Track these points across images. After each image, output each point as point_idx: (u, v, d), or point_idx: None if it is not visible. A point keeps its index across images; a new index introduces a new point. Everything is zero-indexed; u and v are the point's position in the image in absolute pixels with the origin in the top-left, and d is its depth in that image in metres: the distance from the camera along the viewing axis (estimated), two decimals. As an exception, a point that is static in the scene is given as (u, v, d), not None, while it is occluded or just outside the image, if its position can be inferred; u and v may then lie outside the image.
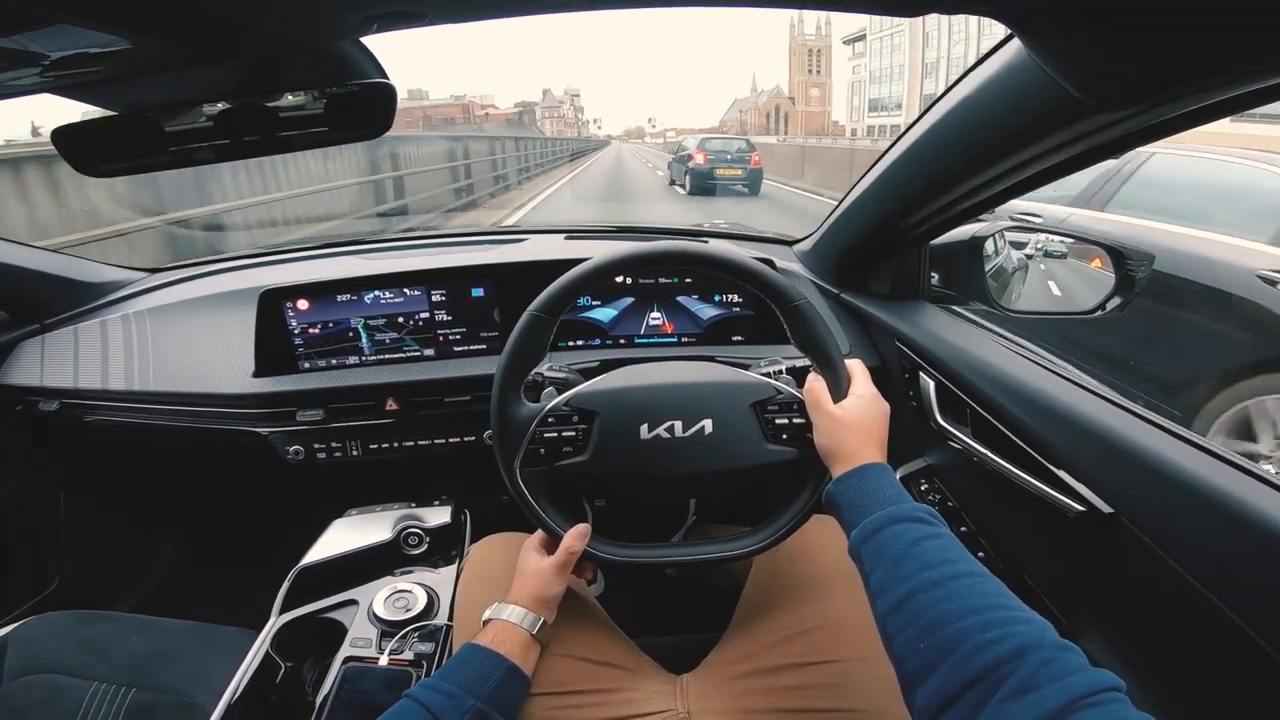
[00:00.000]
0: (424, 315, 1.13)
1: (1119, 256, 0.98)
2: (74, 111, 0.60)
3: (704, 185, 12.50)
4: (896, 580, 0.52)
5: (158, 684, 0.84)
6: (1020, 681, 0.41)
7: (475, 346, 1.15)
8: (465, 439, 1.14)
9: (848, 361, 0.72)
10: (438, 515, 1.05)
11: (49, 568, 1.31)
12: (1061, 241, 1.06)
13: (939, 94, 0.74)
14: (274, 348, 1.11)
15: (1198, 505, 0.56)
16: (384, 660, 0.85)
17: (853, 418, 0.67)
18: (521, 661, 0.68)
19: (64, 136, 0.60)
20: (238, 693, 0.81)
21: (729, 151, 12.90)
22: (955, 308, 1.06)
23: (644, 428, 0.73)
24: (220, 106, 0.61)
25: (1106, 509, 0.64)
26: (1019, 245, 1.21)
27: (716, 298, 1.16)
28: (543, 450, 0.74)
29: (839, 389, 0.70)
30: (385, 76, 0.58)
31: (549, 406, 0.74)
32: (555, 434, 0.74)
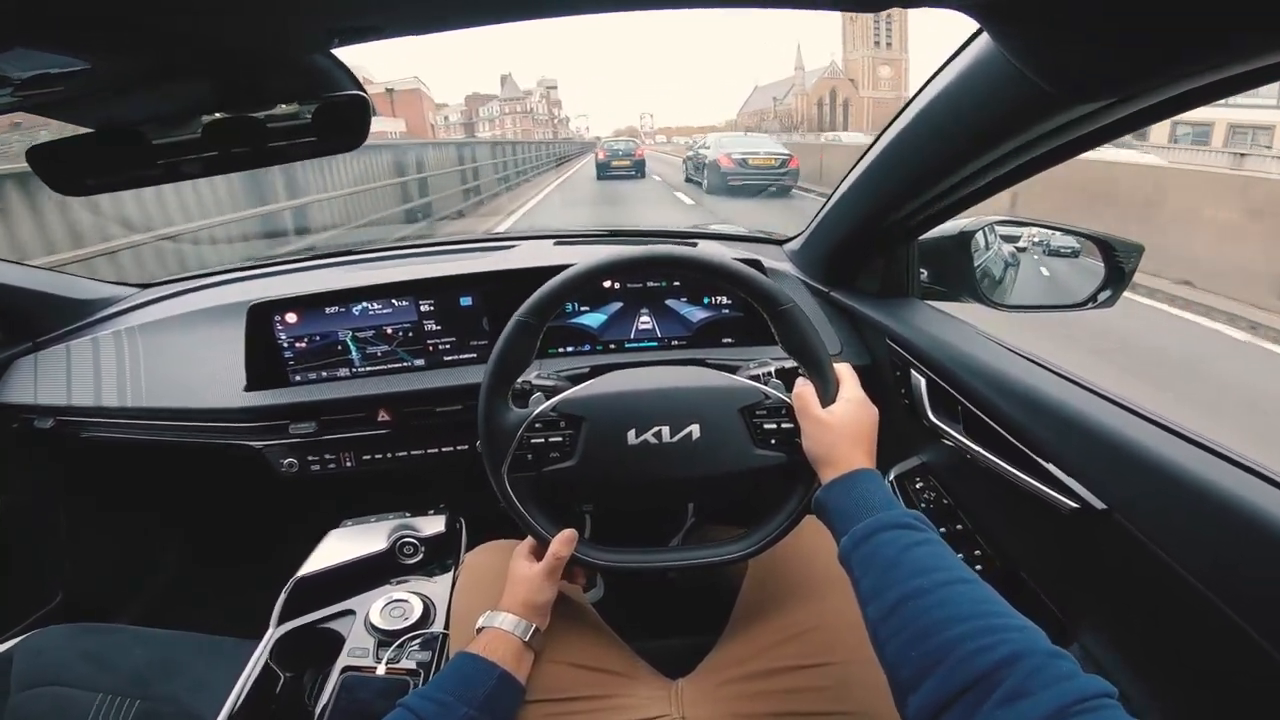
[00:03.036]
0: (413, 325, 1.13)
1: (1107, 248, 0.97)
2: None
3: (604, 174, 18.30)
4: (887, 587, 0.52)
5: (161, 694, 0.85)
6: (1012, 688, 0.41)
7: (465, 355, 1.15)
8: (458, 448, 1.14)
9: (836, 365, 0.72)
10: (432, 524, 1.05)
11: (51, 581, 1.31)
12: (1075, 238, 1.04)
13: (916, 89, 0.74)
14: (264, 362, 1.11)
15: (1191, 500, 0.55)
16: (382, 669, 0.85)
17: (841, 423, 0.67)
18: (514, 669, 0.68)
19: (42, 156, 0.59)
20: (239, 703, 0.82)
21: (621, 150, 19.37)
22: (944, 304, 1.06)
23: (631, 433, 0.73)
24: (208, 118, 0.61)
25: (1100, 505, 0.63)
26: (1011, 239, 1.21)
27: (705, 300, 1.16)
28: (530, 456, 0.74)
29: (827, 393, 0.70)
30: (360, 88, 0.58)
31: (536, 412, 0.74)
32: (543, 440, 0.74)
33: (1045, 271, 1.16)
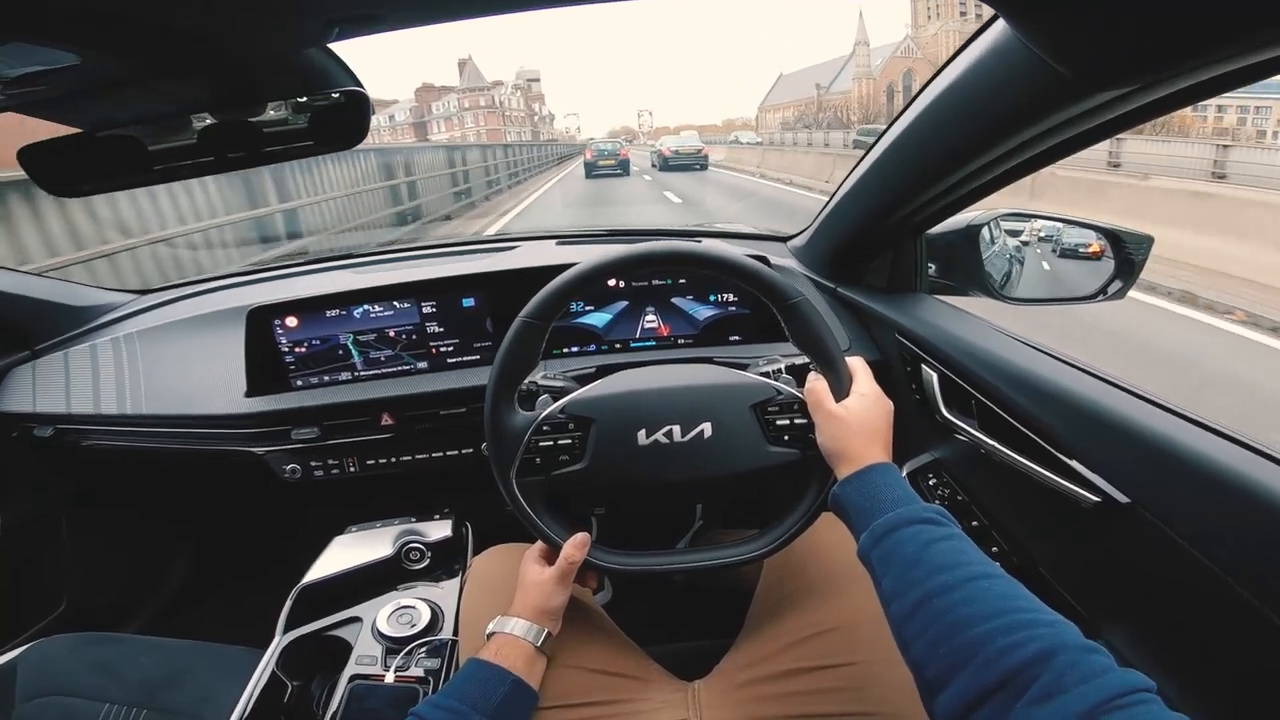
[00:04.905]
0: (415, 327, 1.12)
1: (1117, 240, 0.96)
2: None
3: (591, 173, 20.95)
4: (910, 585, 0.51)
5: (169, 704, 0.84)
6: (1046, 685, 0.40)
7: (469, 357, 1.14)
8: (463, 451, 1.13)
9: (849, 359, 0.71)
10: (438, 529, 1.04)
11: (55, 590, 1.30)
12: (1087, 230, 1.03)
13: (927, 79, 0.73)
14: (265, 366, 1.09)
15: (1218, 492, 0.54)
16: (390, 677, 0.84)
17: (856, 417, 0.66)
18: (526, 675, 0.67)
19: (34, 156, 0.58)
20: (247, 712, 0.81)
21: (606, 151, 22.02)
22: (952, 298, 1.05)
23: (641, 433, 0.72)
24: (203, 120, 0.60)
25: (1123, 499, 0.62)
26: (1015, 233, 1.20)
27: (712, 297, 1.15)
28: (539, 459, 0.73)
29: (840, 388, 0.69)
30: (359, 84, 0.57)
31: (543, 415, 0.73)
32: (551, 442, 0.73)
33: (1048, 266, 1.15)
